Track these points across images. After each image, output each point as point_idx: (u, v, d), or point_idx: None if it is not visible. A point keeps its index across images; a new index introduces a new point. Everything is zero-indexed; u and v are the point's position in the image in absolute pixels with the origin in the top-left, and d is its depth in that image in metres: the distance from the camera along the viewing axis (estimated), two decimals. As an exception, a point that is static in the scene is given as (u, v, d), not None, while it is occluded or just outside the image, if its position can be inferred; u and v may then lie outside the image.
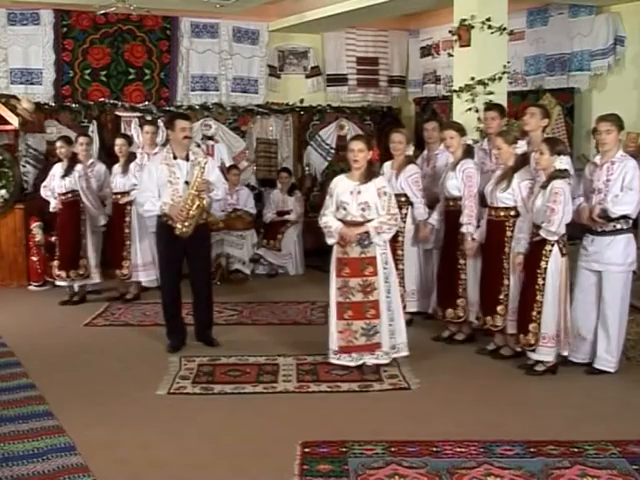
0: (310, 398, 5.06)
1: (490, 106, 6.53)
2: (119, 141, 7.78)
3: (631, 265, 5.38)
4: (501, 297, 5.70)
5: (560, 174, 5.24)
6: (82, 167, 7.62)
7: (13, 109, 8.63)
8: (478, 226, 5.93)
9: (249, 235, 8.95)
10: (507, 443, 4.24)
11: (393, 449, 4.16)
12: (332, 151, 10.30)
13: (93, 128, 9.27)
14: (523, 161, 5.66)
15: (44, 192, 7.72)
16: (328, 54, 10.55)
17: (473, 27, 6.97)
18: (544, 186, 5.27)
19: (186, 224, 5.78)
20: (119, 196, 7.68)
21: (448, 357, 5.91)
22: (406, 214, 6.48)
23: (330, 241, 5.48)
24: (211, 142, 9.56)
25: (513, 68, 8.52)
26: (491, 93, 6.96)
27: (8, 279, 8.32)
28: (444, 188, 6.15)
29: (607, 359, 5.42)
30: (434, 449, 4.17)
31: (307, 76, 10.53)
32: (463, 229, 5.96)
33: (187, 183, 5.82)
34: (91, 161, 7.93)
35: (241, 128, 10.01)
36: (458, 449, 4.16)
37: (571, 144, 8.32)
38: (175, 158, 5.91)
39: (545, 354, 5.38)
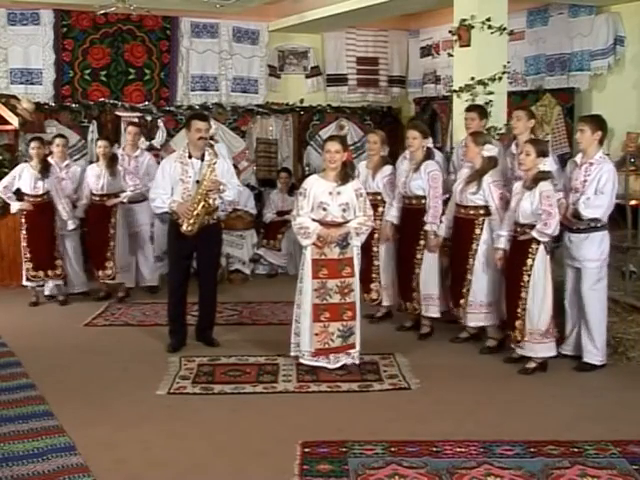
0: (310, 398, 5.06)
1: (470, 107, 6.62)
2: (102, 143, 7.69)
3: (605, 260, 5.56)
4: (464, 291, 5.96)
5: (544, 175, 5.37)
6: (57, 169, 7.55)
7: (13, 109, 8.63)
8: (440, 222, 6.18)
9: (249, 235, 8.95)
10: (507, 443, 4.24)
11: (393, 449, 4.16)
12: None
13: (93, 128, 9.27)
14: (490, 164, 5.85)
15: (4, 193, 7.47)
16: (328, 54, 10.55)
17: (473, 27, 6.96)
18: (529, 187, 5.37)
19: (191, 222, 5.80)
20: (105, 198, 7.60)
21: (448, 357, 5.92)
22: (382, 212, 6.56)
23: (305, 242, 5.44)
24: (211, 142, 9.55)
25: (513, 68, 8.51)
26: (491, 93, 6.95)
27: (8, 279, 8.31)
28: (407, 187, 6.26)
29: (592, 352, 5.54)
30: (434, 449, 4.17)
31: (307, 76, 10.53)
32: (427, 227, 6.18)
33: (198, 182, 5.83)
34: (66, 162, 7.83)
35: (241, 128, 10.02)
36: (458, 449, 4.17)
37: (571, 144, 8.32)
38: (190, 157, 5.92)
39: (533, 350, 5.47)
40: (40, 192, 7.40)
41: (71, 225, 7.58)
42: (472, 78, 6.98)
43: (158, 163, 8.32)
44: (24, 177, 7.40)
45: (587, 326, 5.55)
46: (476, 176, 5.83)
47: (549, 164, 5.45)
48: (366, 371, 5.51)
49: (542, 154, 5.39)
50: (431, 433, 4.39)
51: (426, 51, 10.42)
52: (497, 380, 5.39)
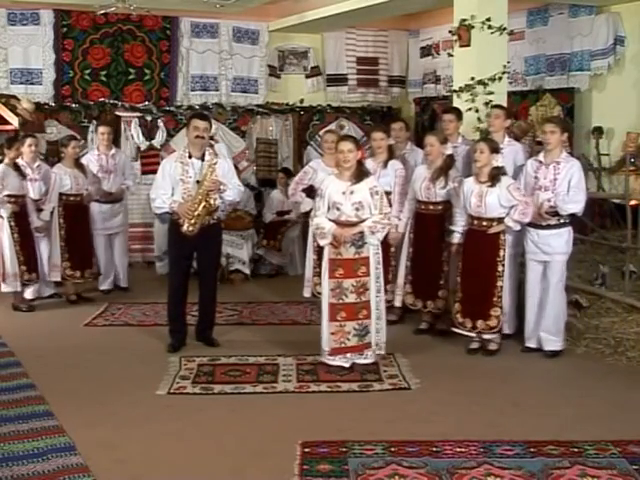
0: (310, 398, 5.06)
1: (447, 109, 6.78)
2: (75, 143, 7.63)
3: (569, 254, 5.85)
4: (442, 282, 6.28)
5: (500, 171, 5.73)
6: (28, 170, 7.44)
7: (13, 109, 8.63)
8: (399, 219, 6.52)
9: (249, 235, 8.95)
10: (507, 443, 4.24)
11: (393, 449, 4.16)
12: (332, 151, 10.29)
13: (93, 128, 9.26)
14: (453, 161, 6.25)
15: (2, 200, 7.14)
16: (328, 54, 10.55)
17: (473, 27, 6.96)
18: (492, 184, 5.68)
19: (192, 222, 5.80)
20: (79, 198, 7.54)
21: (448, 357, 5.91)
22: None
23: (323, 242, 5.48)
24: (211, 142, 9.57)
25: (513, 68, 8.52)
26: (491, 93, 6.96)
27: (7, 279, 8.29)
28: None
29: (552, 339, 5.81)
30: (434, 449, 4.17)
31: (307, 76, 10.54)
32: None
33: (199, 182, 5.83)
34: (38, 163, 7.65)
35: (241, 128, 10.03)
36: (458, 449, 4.16)
37: (571, 144, 8.31)
38: (190, 157, 5.91)
39: (502, 332, 5.96)
40: (23, 192, 7.26)
41: (37, 222, 7.39)
42: (472, 78, 6.99)
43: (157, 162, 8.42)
44: (10, 179, 7.14)
45: (548, 317, 5.78)
46: (441, 172, 6.17)
47: (500, 160, 5.78)
48: (366, 371, 5.50)
49: (495, 151, 5.75)
50: (431, 433, 4.39)
51: (426, 51, 10.43)
52: (497, 380, 5.39)
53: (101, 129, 8.11)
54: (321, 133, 10.17)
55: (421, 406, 4.89)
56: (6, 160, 7.24)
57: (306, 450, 4.15)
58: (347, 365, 5.47)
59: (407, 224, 6.48)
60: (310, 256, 6.96)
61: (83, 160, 7.84)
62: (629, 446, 4.19)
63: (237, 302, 7.65)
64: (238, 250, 8.75)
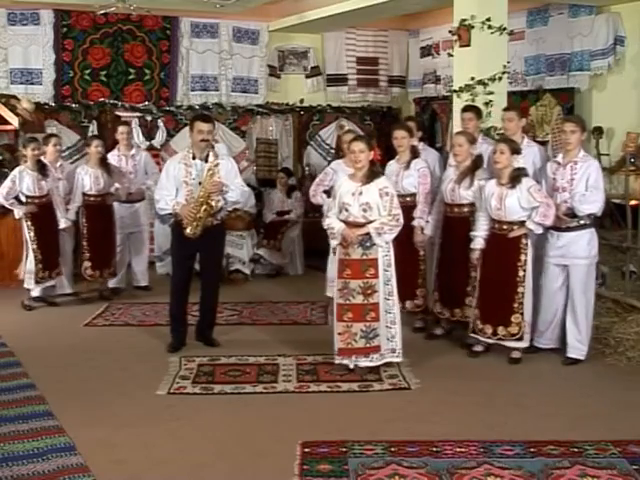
0: (310, 398, 5.06)
1: (467, 107, 6.64)
2: (98, 142, 7.61)
3: (595, 257, 5.67)
4: (469, 289, 6.00)
5: (521, 172, 5.58)
6: (52, 169, 7.51)
7: (13, 109, 8.63)
8: (427, 221, 6.30)
9: (249, 235, 8.95)
10: (507, 443, 4.24)
11: (393, 449, 4.16)
12: (332, 151, 10.31)
13: (93, 128, 9.28)
14: (481, 162, 6.04)
15: (8, 201, 7.23)
16: (328, 54, 10.56)
17: (473, 27, 6.96)
18: (513, 186, 5.52)
19: (194, 224, 5.80)
20: (99, 198, 7.57)
21: (448, 357, 5.91)
22: None
23: (333, 242, 5.49)
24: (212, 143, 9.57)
25: (513, 68, 8.52)
26: (491, 93, 6.96)
27: (8, 279, 8.28)
28: (399, 186, 6.24)
29: (579, 347, 5.67)
30: (434, 449, 4.17)
31: (307, 76, 10.54)
32: (415, 222, 6.26)
33: (201, 184, 5.82)
34: (60, 163, 7.75)
35: (241, 128, 10.04)
36: (458, 449, 4.16)
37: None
38: (194, 158, 5.90)
39: (526, 341, 5.72)
40: (45, 192, 7.32)
41: (63, 224, 7.47)
42: (472, 78, 6.99)
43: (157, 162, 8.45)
44: (25, 180, 7.23)
45: (575, 323, 5.65)
46: (468, 173, 5.98)
47: (522, 161, 5.66)
48: (366, 372, 5.50)
49: (515, 152, 5.59)
50: (431, 433, 4.39)
51: (426, 51, 10.43)
52: (497, 380, 5.39)
53: (121, 128, 8.05)
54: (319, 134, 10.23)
55: (421, 406, 4.89)
56: (28, 162, 7.25)
57: (306, 450, 4.15)
58: (351, 366, 5.45)
59: (435, 227, 6.26)
60: (332, 257, 6.79)
61: None
62: (629, 446, 4.19)
63: (237, 302, 7.64)
64: (238, 250, 8.75)
